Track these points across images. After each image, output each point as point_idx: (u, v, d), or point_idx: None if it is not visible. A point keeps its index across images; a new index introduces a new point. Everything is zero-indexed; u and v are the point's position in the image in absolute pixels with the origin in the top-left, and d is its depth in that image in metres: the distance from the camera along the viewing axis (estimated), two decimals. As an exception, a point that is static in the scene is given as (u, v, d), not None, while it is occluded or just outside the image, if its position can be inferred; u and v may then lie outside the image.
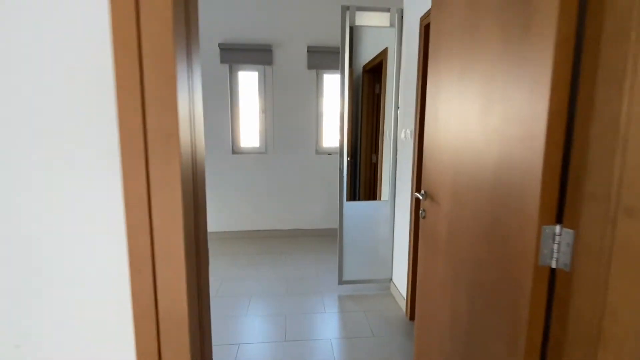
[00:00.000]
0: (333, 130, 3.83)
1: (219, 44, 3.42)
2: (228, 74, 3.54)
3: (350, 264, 2.48)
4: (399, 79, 2.32)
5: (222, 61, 3.47)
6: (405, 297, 2.21)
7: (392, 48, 2.37)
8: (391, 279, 2.51)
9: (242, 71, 3.64)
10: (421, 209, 1.48)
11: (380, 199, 2.62)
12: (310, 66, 3.56)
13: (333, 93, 3.76)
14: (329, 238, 3.69)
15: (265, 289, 2.55)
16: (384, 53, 2.62)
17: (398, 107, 2.32)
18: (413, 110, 2.03)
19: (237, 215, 3.72)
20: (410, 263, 2.10)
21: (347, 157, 2.47)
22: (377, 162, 3.10)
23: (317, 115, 3.70)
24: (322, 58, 3.54)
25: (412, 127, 2.04)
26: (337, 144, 3.87)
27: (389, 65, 2.47)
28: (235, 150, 3.71)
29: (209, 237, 3.72)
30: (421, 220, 1.51)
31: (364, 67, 3.23)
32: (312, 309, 2.27)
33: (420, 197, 1.45)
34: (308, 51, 3.52)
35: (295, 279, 2.71)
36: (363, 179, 3.22)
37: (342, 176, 2.38)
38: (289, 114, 3.63)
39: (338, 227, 2.45)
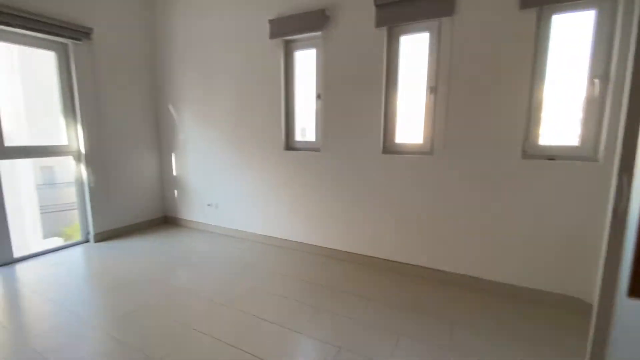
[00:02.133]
0: (562, 114, 2.13)
1: (375, 1, 2.44)
2: (385, 42, 2.51)
3: None
4: None
5: (379, 24, 2.48)
6: None
7: None
8: None
9: (405, 35, 2.52)
10: None
11: None
12: (525, 3, 2.01)
13: (569, 47, 2.06)
14: (535, 309, 2.08)
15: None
16: None
17: None
18: None
19: (383, 237, 2.70)
20: None
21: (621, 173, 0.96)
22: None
23: (531, 91, 2.11)
24: (552, -16, 1.93)
25: None
26: (571, 141, 2.01)
27: None
28: (387, 148, 2.66)
29: (333, 254, 2.86)
30: None
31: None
32: None
33: None
34: (523, -24, 1.99)
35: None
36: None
37: (622, 232, 0.90)
38: (475, 91, 2.24)
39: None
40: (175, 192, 3.94)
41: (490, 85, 2.18)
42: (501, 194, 2.22)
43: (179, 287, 2.39)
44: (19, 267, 2.71)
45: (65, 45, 2.98)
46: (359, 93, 2.63)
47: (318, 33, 2.74)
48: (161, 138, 3.92)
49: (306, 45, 2.93)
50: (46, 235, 9.19)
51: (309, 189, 2.99)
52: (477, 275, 2.36)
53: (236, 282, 2.47)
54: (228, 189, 3.50)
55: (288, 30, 2.83)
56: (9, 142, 2.69)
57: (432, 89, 2.41)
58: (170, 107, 3.76)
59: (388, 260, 2.69)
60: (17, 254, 2.85)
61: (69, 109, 3.08)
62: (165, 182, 4.01)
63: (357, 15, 2.56)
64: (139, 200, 3.74)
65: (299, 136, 3.13)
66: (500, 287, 2.28)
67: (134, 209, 3.69)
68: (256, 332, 1.86)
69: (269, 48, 3.00)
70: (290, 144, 3.14)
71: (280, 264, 2.81)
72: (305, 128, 3.12)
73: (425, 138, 2.50)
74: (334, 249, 2.93)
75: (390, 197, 2.62)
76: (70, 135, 3.12)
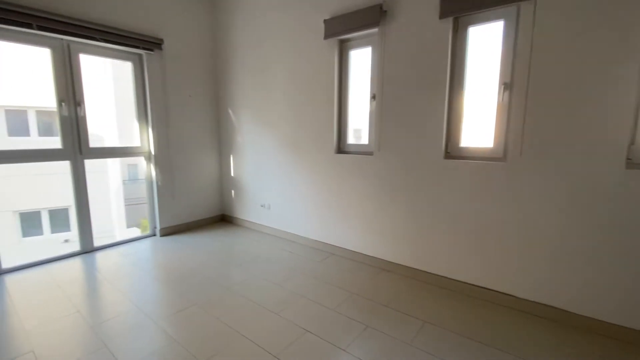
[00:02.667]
0: (689, 114, 1.66)
1: (440, -11, 2.20)
2: (450, 35, 2.25)
3: None
4: None
5: (444, 14, 2.23)
6: None
7: None
8: None
9: (474, 25, 2.24)
10: None
11: None
12: (639, -26, 1.61)
13: None
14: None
15: None
16: None
17: None
18: None
19: (443, 252, 2.43)
20: None
21: None
22: None
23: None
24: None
25: None
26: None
27: None
28: (451, 152, 2.39)
29: (385, 266, 2.59)
30: None
31: None
32: None
33: None
34: (636, -60, 1.59)
35: None
36: None
37: None
38: (561, 86, 1.87)
39: None
40: (232, 192, 4.10)
41: (582, 79, 1.79)
42: (597, 213, 1.82)
43: (230, 286, 2.43)
44: (98, 255, 3.04)
45: (140, 56, 3.27)
46: (418, 92, 2.41)
47: (374, 30, 2.58)
48: (221, 141, 4.12)
49: (361, 43, 2.79)
50: (129, 225, 10.44)
51: (361, 195, 2.84)
52: (565, 308, 1.97)
53: (284, 287, 2.43)
54: (279, 191, 3.52)
55: (343, 29, 2.72)
56: (98, 143, 3.05)
57: (507, 85, 2.09)
58: (230, 111, 3.93)
59: (448, 278, 2.41)
60: (99, 242, 3.21)
61: (142, 113, 3.39)
62: (224, 183, 4.20)
63: (418, 6, 2.35)
64: (200, 199, 3.97)
65: (351, 139, 3.00)
66: (601, 326, 1.87)
67: (195, 207, 3.93)
68: (300, 344, 1.78)
69: (323, 49, 2.93)
70: (341, 147, 3.03)
71: (329, 272, 2.71)
72: (361, 129, 2.98)
73: (496, 141, 2.18)
74: (387, 261, 2.74)
75: (453, 208, 2.34)
76: (142, 137, 3.42)
